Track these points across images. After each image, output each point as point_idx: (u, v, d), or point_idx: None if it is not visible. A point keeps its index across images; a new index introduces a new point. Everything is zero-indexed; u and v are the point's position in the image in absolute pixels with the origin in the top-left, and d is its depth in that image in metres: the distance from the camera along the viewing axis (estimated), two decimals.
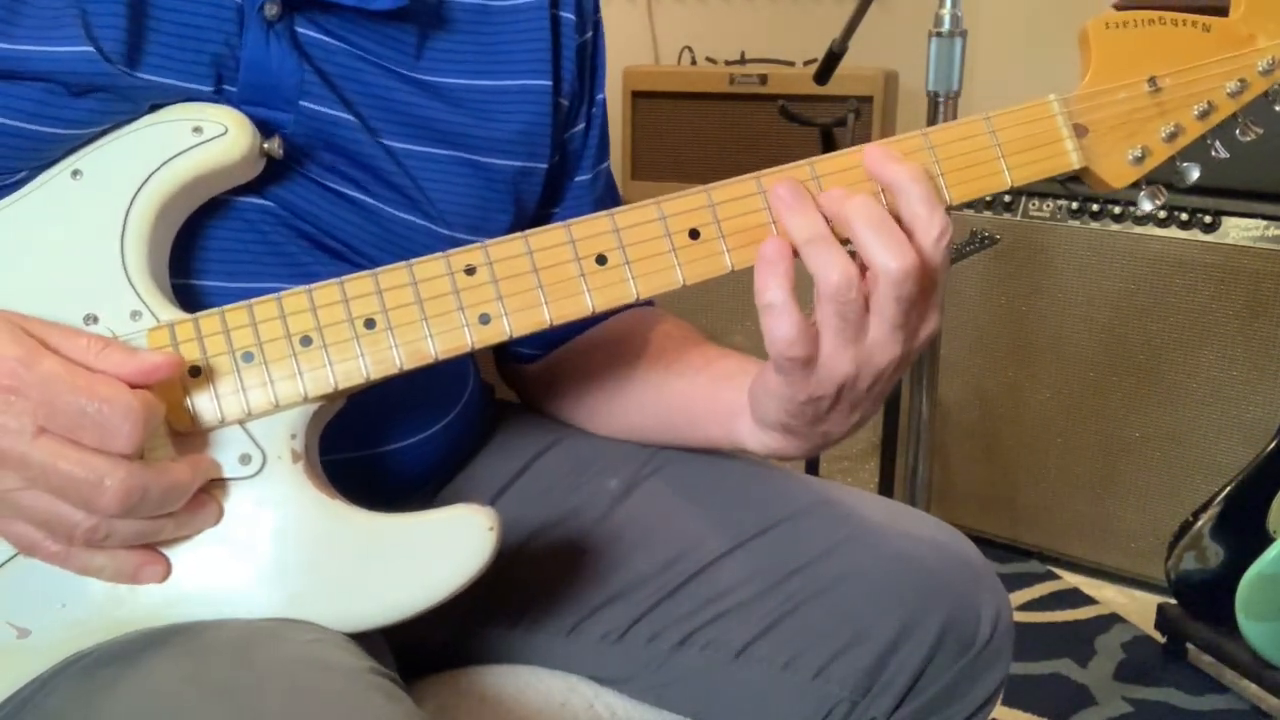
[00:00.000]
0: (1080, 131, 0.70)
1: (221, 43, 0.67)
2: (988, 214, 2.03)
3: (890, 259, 0.61)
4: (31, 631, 0.62)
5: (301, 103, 0.69)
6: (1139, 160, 0.71)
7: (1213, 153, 0.73)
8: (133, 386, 0.58)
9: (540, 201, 0.83)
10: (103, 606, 0.62)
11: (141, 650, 0.60)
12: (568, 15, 0.81)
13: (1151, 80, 0.70)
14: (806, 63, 2.15)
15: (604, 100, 0.88)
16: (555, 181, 0.85)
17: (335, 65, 0.71)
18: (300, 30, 0.70)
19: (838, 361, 0.64)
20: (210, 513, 0.62)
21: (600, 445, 0.87)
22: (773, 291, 0.62)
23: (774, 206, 0.65)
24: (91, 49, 0.63)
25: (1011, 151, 0.69)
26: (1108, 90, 0.70)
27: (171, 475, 0.59)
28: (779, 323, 0.62)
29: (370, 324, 0.63)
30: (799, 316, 0.62)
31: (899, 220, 0.64)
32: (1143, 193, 0.73)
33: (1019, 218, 2.00)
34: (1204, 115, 0.71)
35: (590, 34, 0.85)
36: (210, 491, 0.62)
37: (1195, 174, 0.72)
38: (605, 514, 0.83)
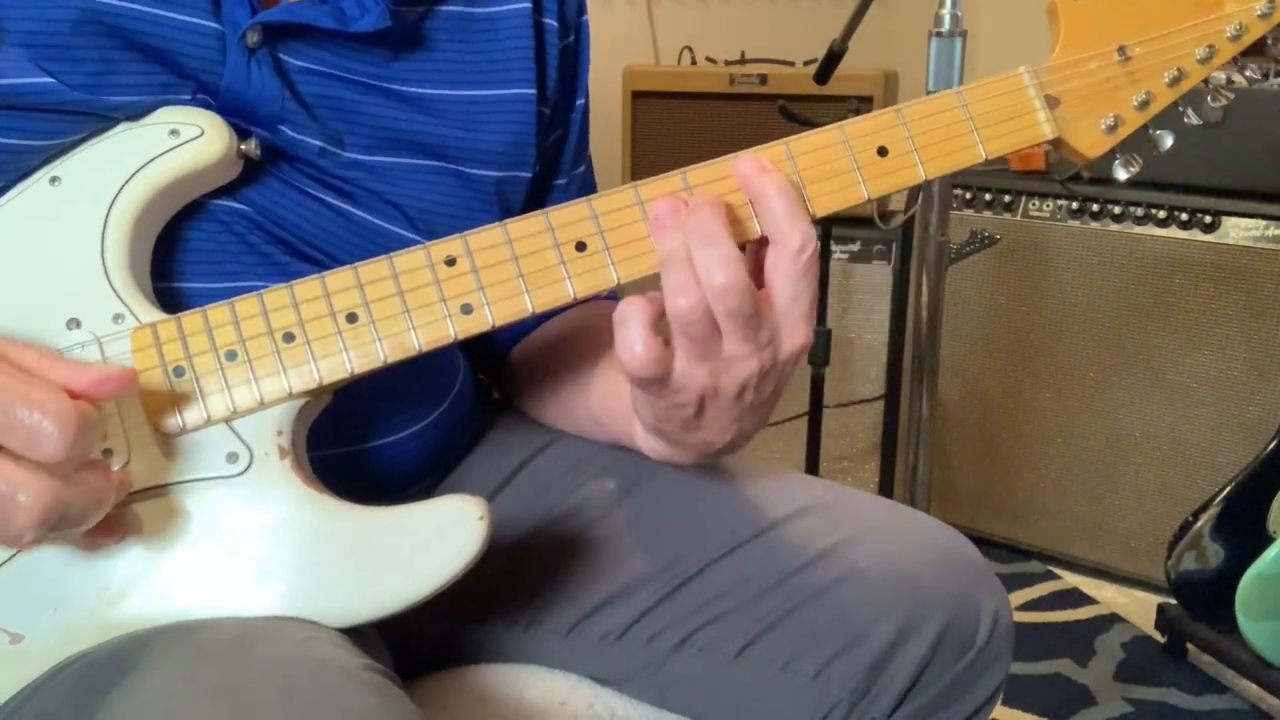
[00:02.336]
0: (1052, 102, 0.70)
1: (203, 69, 0.67)
2: (988, 214, 2.03)
3: (715, 273, 0.61)
4: (25, 636, 0.62)
5: (280, 128, 0.69)
6: (1112, 129, 0.71)
7: (1185, 119, 0.74)
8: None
9: (521, 207, 0.83)
10: (95, 610, 0.62)
11: (135, 652, 0.59)
12: (551, 22, 0.81)
13: (1121, 49, 0.71)
14: (806, 63, 2.14)
15: (584, 106, 0.88)
16: (535, 187, 0.85)
17: (318, 91, 0.71)
18: (283, 57, 0.69)
19: (692, 376, 0.63)
20: (126, 526, 0.61)
21: (598, 444, 0.87)
22: (627, 309, 0.62)
23: (650, 226, 0.64)
24: (52, 80, 0.63)
25: (984, 124, 0.69)
26: (1078, 60, 0.71)
27: (92, 492, 0.56)
28: (627, 344, 0.62)
29: (353, 318, 0.63)
30: (648, 337, 0.61)
31: (767, 231, 0.64)
32: (1117, 161, 0.74)
33: (1019, 218, 2.00)
34: (1174, 82, 0.72)
35: (572, 39, 0.84)
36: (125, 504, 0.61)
37: (1169, 141, 0.73)
38: (604, 514, 0.83)
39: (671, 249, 0.63)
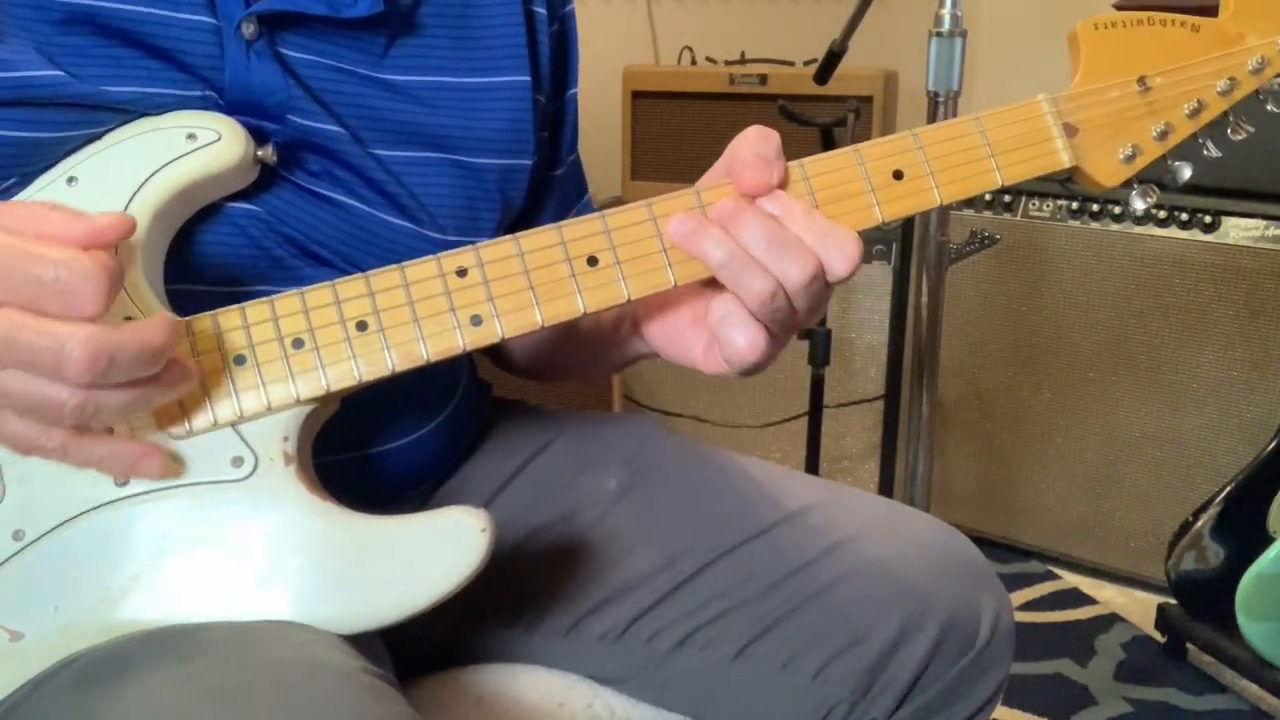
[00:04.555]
0: (1070, 131, 0.70)
1: (205, 65, 0.67)
2: (988, 214, 2.03)
3: (797, 273, 0.63)
4: (24, 634, 0.62)
5: (289, 117, 0.69)
6: (1130, 159, 0.71)
7: (1204, 151, 0.73)
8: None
9: (523, 200, 0.83)
10: (96, 609, 0.62)
11: (134, 652, 0.59)
12: (540, 10, 0.81)
13: (1141, 79, 0.70)
14: (806, 63, 2.14)
15: (575, 95, 0.88)
16: (534, 179, 0.84)
17: (319, 79, 0.71)
18: (281, 49, 0.69)
19: (779, 343, 0.66)
20: (192, 374, 0.60)
21: (597, 444, 0.87)
22: (730, 305, 0.64)
23: (680, 240, 0.65)
24: (61, 73, 0.63)
25: (1001, 151, 0.69)
26: (1098, 89, 0.70)
27: (141, 335, 0.55)
28: (739, 335, 0.64)
29: (362, 326, 0.63)
30: (759, 328, 0.64)
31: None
32: (1134, 191, 0.73)
33: (1019, 218, 2.00)
34: (1194, 114, 0.71)
35: (557, 27, 0.84)
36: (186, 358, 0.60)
37: (1187, 173, 0.72)
38: (604, 513, 0.83)
39: (729, 250, 0.64)
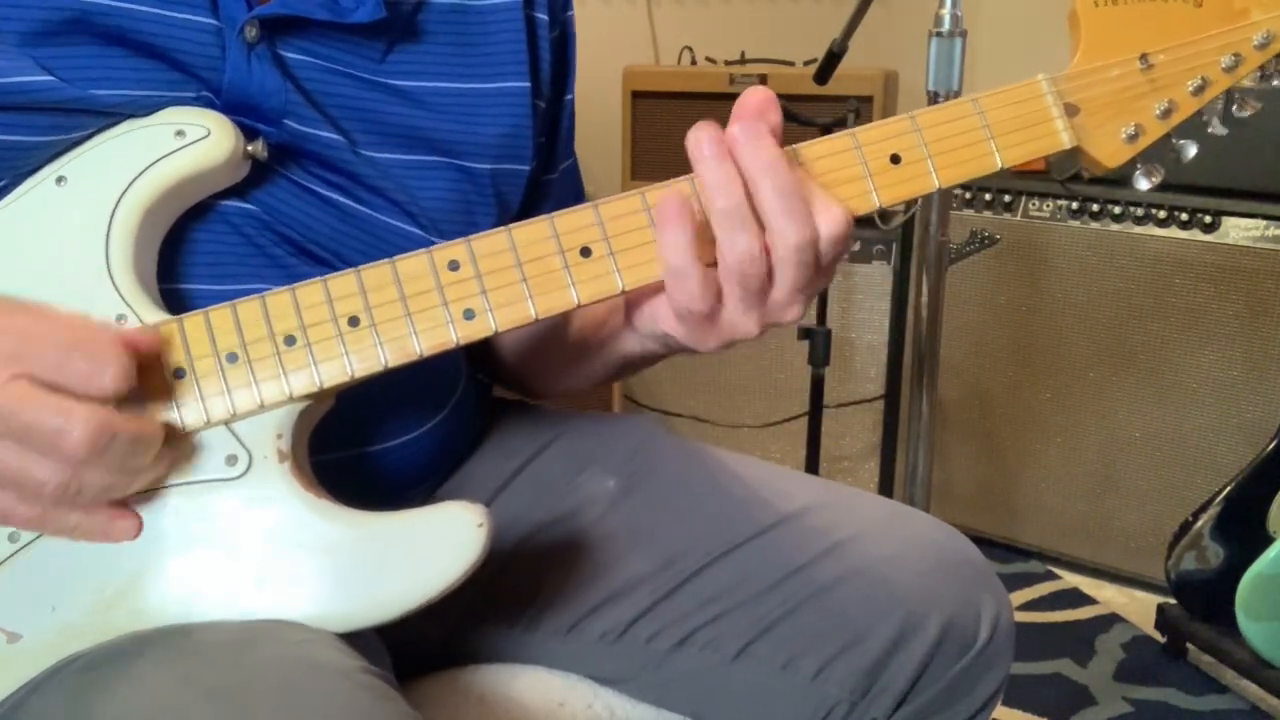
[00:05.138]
0: (1071, 111, 0.69)
1: (204, 66, 0.67)
2: (988, 214, 2.03)
3: (791, 230, 0.61)
4: (23, 635, 0.62)
5: (285, 121, 0.69)
6: (1133, 138, 0.70)
7: (1209, 129, 0.72)
8: None
9: (519, 203, 0.83)
10: (94, 610, 0.62)
11: (133, 652, 0.59)
12: (541, 16, 0.81)
13: (1143, 57, 0.69)
14: (806, 63, 2.14)
15: (572, 100, 0.88)
16: (530, 182, 0.84)
17: (319, 83, 0.71)
18: (282, 52, 0.69)
19: (739, 322, 0.64)
20: (163, 465, 0.62)
21: (597, 444, 0.87)
22: (677, 256, 0.62)
23: (703, 155, 0.63)
24: (51, 78, 0.63)
25: (1001, 132, 0.68)
26: (1098, 68, 0.69)
27: (140, 424, 0.58)
28: (681, 286, 0.62)
29: (354, 322, 0.63)
30: (701, 277, 0.62)
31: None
32: (1138, 171, 0.72)
33: (1019, 218, 2.00)
34: (1199, 91, 0.70)
35: (558, 32, 0.84)
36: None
37: (1192, 151, 0.71)
38: (604, 513, 0.83)
39: (733, 198, 0.61)
